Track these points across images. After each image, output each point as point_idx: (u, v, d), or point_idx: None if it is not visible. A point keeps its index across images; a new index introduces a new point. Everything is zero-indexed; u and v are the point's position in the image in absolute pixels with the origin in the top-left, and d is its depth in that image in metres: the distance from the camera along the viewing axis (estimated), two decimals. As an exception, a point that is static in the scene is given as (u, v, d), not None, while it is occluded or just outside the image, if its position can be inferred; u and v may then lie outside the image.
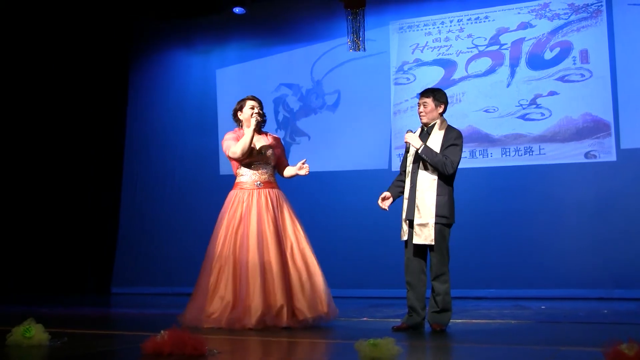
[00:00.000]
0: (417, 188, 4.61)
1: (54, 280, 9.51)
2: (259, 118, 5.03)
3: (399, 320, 4.78)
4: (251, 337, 4.33)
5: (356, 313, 5.95)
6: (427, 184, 4.59)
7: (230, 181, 5.26)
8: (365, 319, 5.59)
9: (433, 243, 4.51)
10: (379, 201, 4.82)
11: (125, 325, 5.62)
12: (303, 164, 5.17)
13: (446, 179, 4.61)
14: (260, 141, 5.12)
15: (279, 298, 4.70)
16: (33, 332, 3.79)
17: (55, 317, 5.76)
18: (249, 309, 4.65)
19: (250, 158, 5.07)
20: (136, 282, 9.44)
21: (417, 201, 4.59)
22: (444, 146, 4.61)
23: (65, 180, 9.77)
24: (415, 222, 4.57)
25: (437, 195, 4.56)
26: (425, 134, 4.74)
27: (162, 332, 3.48)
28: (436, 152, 4.59)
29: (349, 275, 7.95)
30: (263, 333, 4.47)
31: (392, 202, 4.82)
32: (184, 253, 8.99)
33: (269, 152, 5.13)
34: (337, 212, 8.49)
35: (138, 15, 9.58)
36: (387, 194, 4.83)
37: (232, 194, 5.10)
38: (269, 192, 5.04)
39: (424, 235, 4.53)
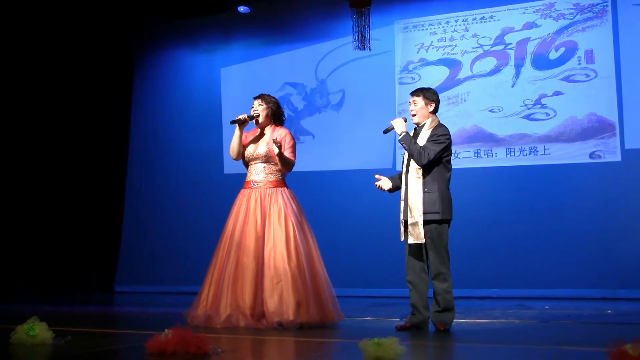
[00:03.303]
0: (408, 188, 4.63)
1: (58, 278, 9.52)
2: (240, 117, 5.03)
3: (402, 319, 4.78)
4: (254, 336, 4.33)
5: (360, 312, 5.95)
6: (414, 182, 4.61)
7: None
8: (369, 318, 5.58)
9: (424, 241, 4.51)
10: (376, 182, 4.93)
11: (128, 324, 5.62)
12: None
13: (434, 176, 4.59)
14: (255, 139, 5.09)
15: (247, 301, 4.72)
16: (37, 331, 3.79)
17: (58, 316, 5.76)
18: (218, 310, 4.74)
19: (247, 158, 5.08)
20: (140, 281, 9.46)
21: (408, 201, 4.61)
22: (428, 141, 4.62)
23: (69, 179, 9.78)
24: (408, 222, 4.59)
25: (424, 192, 4.56)
26: (416, 134, 4.75)
27: (165, 330, 3.48)
28: (415, 141, 4.62)
29: (353, 275, 7.95)
30: (266, 333, 4.47)
31: (390, 188, 4.86)
32: (187, 252, 9.02)
33: (263, 150, 5.01)
34: (341, 211, 8.48)
35: (142, 14, 9.60)
36: (382, 177, 4.93)
37: (239, 193, 5.11)
38: (261, 192, 4.96)
39: (415, 234, 4.54)
